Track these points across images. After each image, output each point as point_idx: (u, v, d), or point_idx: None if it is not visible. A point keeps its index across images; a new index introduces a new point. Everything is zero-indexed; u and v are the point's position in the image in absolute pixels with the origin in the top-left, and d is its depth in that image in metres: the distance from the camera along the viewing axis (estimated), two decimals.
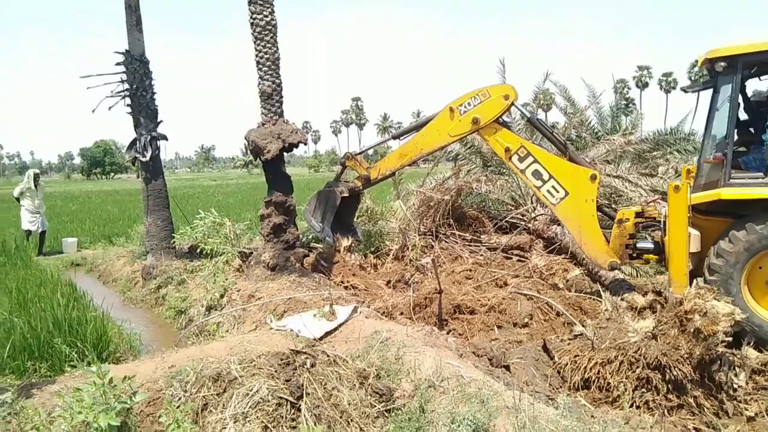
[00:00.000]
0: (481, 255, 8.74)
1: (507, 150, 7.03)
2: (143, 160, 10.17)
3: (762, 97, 6.46)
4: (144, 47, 10.20)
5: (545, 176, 6.86)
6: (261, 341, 4.90)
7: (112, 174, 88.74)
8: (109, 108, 10.20)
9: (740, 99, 6.08)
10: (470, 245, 9.11)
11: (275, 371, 3.87)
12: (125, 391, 3.50)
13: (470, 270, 8.04)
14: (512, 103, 7.13)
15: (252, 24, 7.60)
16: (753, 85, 6.73)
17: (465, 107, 7.19)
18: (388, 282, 8.09)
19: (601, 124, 13.55)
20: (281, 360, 3.99)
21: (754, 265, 5.66)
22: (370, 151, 30.39)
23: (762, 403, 4.53)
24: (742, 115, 6.41)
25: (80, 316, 6.14)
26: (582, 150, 11.72)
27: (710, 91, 6.12)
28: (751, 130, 6.37)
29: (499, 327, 6.20)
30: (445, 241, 9.24)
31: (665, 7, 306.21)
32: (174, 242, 10.22)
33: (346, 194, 7.95)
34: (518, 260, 8.45)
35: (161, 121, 10.48)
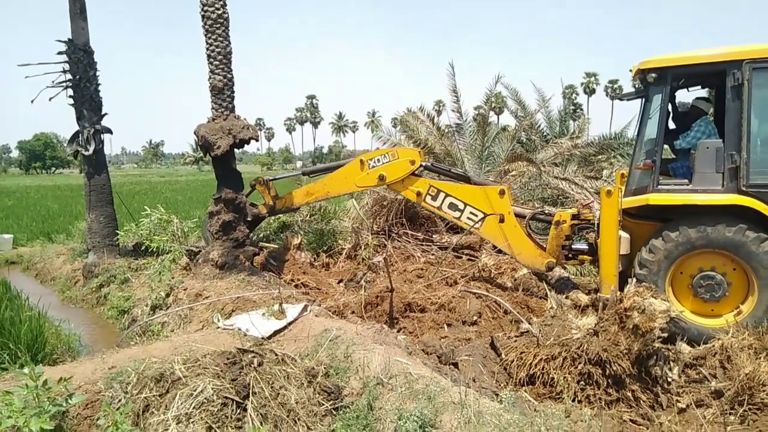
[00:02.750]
0: (433, 254, 8.85)
1: (418, 194, 7.33)
2: (86, 154, 9.83)
3: (686, 108, 6.74)
4: (88, 36, 9.84)
5: (460, 205, 7.14)
6: (207, 341, 4.80)
7: (53, 168, 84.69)
8: (50, 99, 9.83)
9: (669, 108, 6.33)
10: (422, 244, 9.20)
11: (221, 371, 3.79)
12: (61, 394, 3.36)
13: (422, 269, 8.13)
14: (419, 166, 7.37)
15: (203, 17, 7.41)
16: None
17: (375, 162, 7.43)
18: (340, 281, 8.09)
19: (550, 128, 14.00)
20: (227, 359, 3.91)
21: (675, 271, 5.88)
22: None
23: (692, 395, 4.76)
24: (672, 125, 6.69)
25: (13, 316, 5.86)
26: (531, 152, 12.04)
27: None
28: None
29: (448, 325, 6.28)
30: (398, 241, 9.30)
31: (611, 16, 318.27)
32: (118, 239, 9.88)
33: (249, 218, 7.89)
34: (468, 259, 8.58)
35: (105, 114, 10.16)
